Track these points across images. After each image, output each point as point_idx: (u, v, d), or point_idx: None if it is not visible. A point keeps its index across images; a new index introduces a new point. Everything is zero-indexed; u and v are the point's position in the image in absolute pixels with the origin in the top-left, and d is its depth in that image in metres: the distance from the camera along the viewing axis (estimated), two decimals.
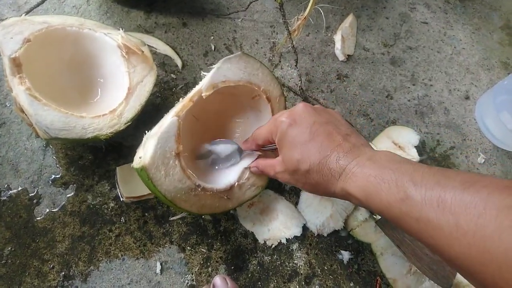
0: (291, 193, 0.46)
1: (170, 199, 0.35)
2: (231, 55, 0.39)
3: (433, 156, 0.51)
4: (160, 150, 0.35)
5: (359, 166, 0.29)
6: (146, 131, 0.37)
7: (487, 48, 0.65)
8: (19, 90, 0.37)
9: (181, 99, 0.39)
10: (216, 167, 0.42)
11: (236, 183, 0.39)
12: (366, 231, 0.42)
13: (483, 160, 0.52)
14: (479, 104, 0.57)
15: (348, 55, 0.57)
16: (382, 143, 0.49)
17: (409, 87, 0.57)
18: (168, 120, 0.36)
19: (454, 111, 0.56)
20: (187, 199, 0.36)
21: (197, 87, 0.39)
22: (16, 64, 0.38)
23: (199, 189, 0.36)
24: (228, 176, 0.40)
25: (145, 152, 0.35)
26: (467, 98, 0.58)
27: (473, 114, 0.56)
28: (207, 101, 0.39)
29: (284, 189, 0.46)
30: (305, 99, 0.53)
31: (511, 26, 0.69)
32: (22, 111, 0.38)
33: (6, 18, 0.50)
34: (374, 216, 0.41)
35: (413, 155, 0.46)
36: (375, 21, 0.62)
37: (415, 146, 0.48)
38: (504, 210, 0.21)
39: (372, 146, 0.49)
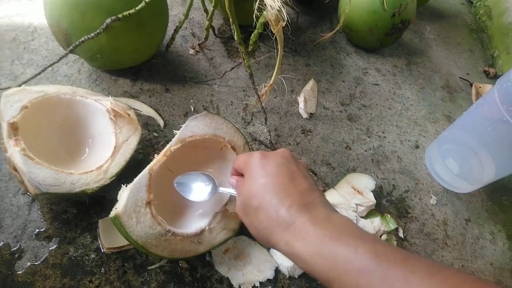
0: None
1: (141, 244, 0.38)
2: (197, 114, 0.46)
3: (390, 199, 0.57)
4: (132, 200, 0.39)
5: (311, 224, 0.27)
6: (124, 185, 0.41)
7: (431, 104, 0.75)
8: (14, 151, 0.41)
9: (155, 154, 0.44)
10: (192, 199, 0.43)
11: (207, 227, 0.43)
12: None
13: (435, 202, 0.58)
14: (428, 152, 0.65)
15: (310, 113, 0.65)
16: (343, 188, 0.55)
17: (365, 139, 0.64)
18: (141, 173, 0.41)
19: (406, 159, 0.63)
20: (158, 244, 0.39)
21: (170, 144, 0.44)
22: (13, 128, 0.43)
23: (170, 234, 0.40)
24: (199, 221, 0.44)
25: (120, 202, 0.39)
26: (417, 147, 0.66)
27: (423, 161, 0.64)
28: (182, 155, 0.45)
29: None
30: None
31: (450, 85, 0.81)
32: (15, 169, 0.41)
33: (5, 88, 0.56)
34: None
35: (370, 198, 0.52)
36: (333, 84, 0.72)
37: (372, 191, 0.53)
38: None
39: (334, 191, 0.54)
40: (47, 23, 0.55)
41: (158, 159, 0.43)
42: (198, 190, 0.43)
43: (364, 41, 0.80)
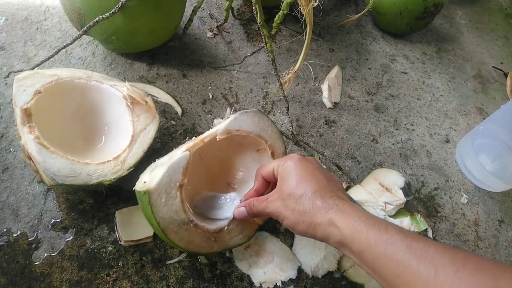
0: (286, 235, 0.47)
1: (162, 227, 0.36)
2: (249, 110, 0.43)
3: (418, 197, 0.54)
4: (167, 179, 0.37)
5: (351, 209, 0.33)
6: (155, 159, 0.39)
7: (462, 95, 0.70)
8: (28, 139, 0.39)
9: (194, 137, 0.42)
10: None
11: (226, 227, 0.40)
12: (358, 272, 0.43)
13: (466, 200, 0.55)
14: (459, 147, 0.61)
15: (335, 102, 0.62)
16: (370, 184, 0.52)
17: (392, 132, 0.61)
18: (181, 153, 0.39)
19: (436, 154, 0.60)
20: (178, 231, 0.37)
21: (212, 130, 0.42)
22: (27, 114, 0.41)
23: (191, 225, 0.38)
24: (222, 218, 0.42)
25: (152, 177, 0.37)
26: (447, 141, 0.62)
27: (454, 157, 0.60)
28: (215, 145, 0.42)
29: (279, 230, 0.47)
30: (297, 143, 0.56)
31: (483, 75, 0.75)
32: (30, 158, 0.40)
33: (18, 71, 0.54)
34: None
35: (400, 196, 0.49)
36: (358, 72, 0.68)
37: (400, 188, 0.50)
38: (480, 271, 0.24)
39: (361, 187, 0.51)
40: (60, 2, 0.52)
41: (196, 142, 0.41)
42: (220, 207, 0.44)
43: (392, 26, 0.75)
